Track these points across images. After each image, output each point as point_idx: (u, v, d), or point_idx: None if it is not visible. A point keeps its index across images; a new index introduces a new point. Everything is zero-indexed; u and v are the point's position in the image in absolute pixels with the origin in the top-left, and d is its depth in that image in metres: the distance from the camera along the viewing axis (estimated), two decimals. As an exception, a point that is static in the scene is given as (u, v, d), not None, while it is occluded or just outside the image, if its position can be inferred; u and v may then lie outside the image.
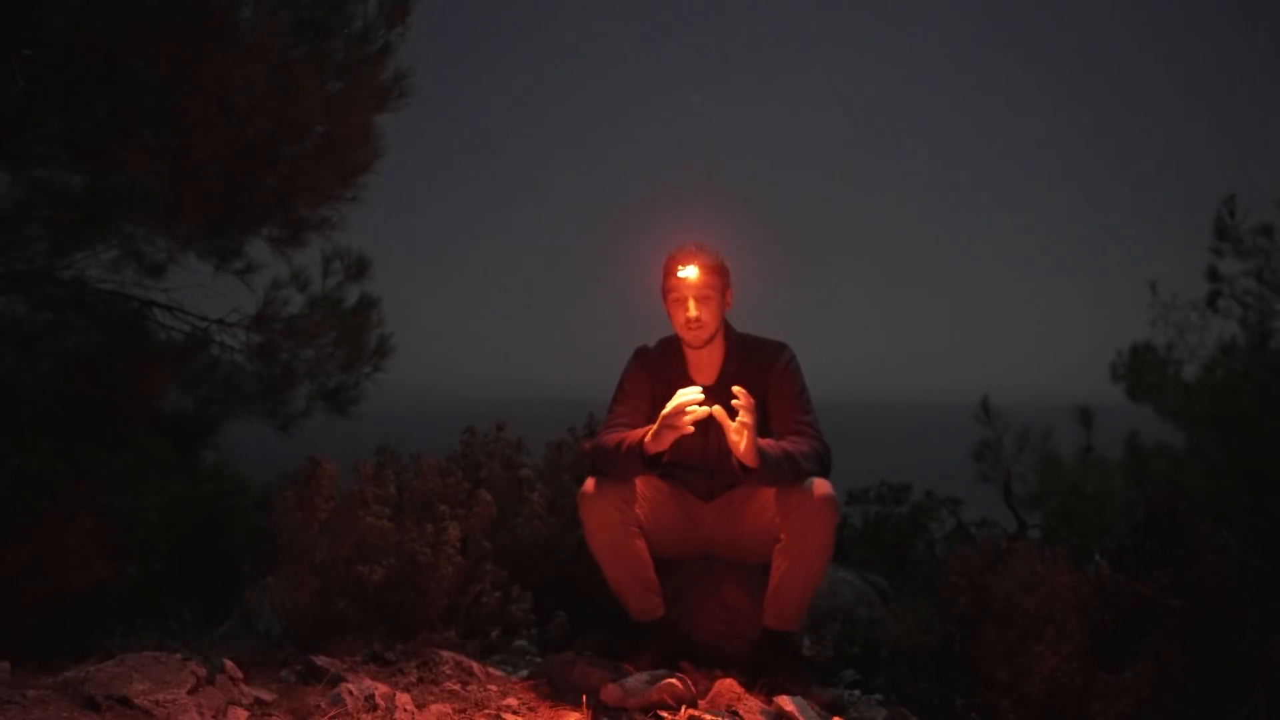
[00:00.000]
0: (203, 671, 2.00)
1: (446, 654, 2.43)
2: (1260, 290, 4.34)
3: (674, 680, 2.18)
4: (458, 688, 2.25)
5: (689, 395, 2.25)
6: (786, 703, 2.17)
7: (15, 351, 3.58)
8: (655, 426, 2.29)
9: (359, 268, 4.20)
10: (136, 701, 1.78)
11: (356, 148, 3.73)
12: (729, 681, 2.24)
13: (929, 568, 3.63)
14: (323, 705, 2.00)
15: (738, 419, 2.22)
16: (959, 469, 5.30)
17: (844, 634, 3.21)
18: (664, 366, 2.63)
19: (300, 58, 3.33)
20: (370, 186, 3.87)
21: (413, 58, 3.72)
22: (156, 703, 1.80)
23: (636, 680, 2.17)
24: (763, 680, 2.33)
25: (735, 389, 2.22)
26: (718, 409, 2.25)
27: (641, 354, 2.68)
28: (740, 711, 2.11)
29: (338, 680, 2.15)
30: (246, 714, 1.96)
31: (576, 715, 2.13)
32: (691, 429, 2.26)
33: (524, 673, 2.59)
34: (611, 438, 2.43)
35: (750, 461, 2.24)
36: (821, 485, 2.34)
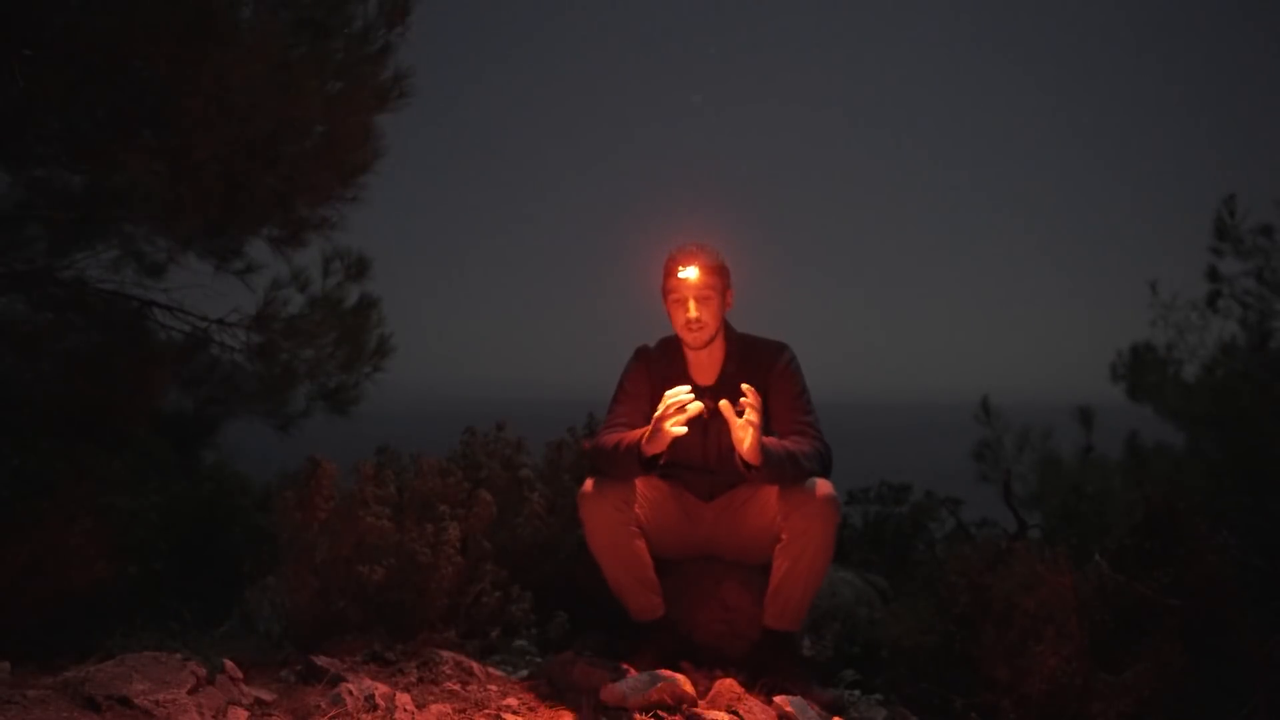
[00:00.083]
0: (203, 671, 2.00)
1: (446, 654, 2.43)
2: (1260, 290, 4.35)
3: (674, 680, 2.18)
4: (458, 688, 2.26)
5: (677, 396, 2.26)
6: (786, 703, 2.17)
7: (15, 351, 3.57)
8: (649, 429, 2.30)
9: (359, 268, 4.20)
10: (136, 701, 1.79)
11: (356, 148, 3.73)
12: (729, 681, 2.24)
13: (929, 568, 3.63)
14: (323, 705, 2.00)
15: (744, 416, 2.22)
16: (959, 469, 5.30)
17: (844, 634, 3.21)
18: (664, 366, 2.63)
19: (300, 58, 3.33)
20: (370, 186, 3.88)
21: (413, 58, 3.72)
22: (156, 703, 1.80)
23: (636, 680, 2.17)
24: (763, 680, 2.33)
25: (745, 387, 2.23)
26: (724, 404, 2.25)
27: (642, 354, 2.68)
28: (740, 711, 2.11)
29: (338, 680, 2.15)
30: (246, 714, 1.96)
31: (576, 715, 2.13)
32: (684, 430, 2.26)
33: (524, 673, 2.59)
34: (610, 438, 2.44)
35: (754, 459, 2.24)
36: (823, 485, 2.35)
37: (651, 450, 2.30)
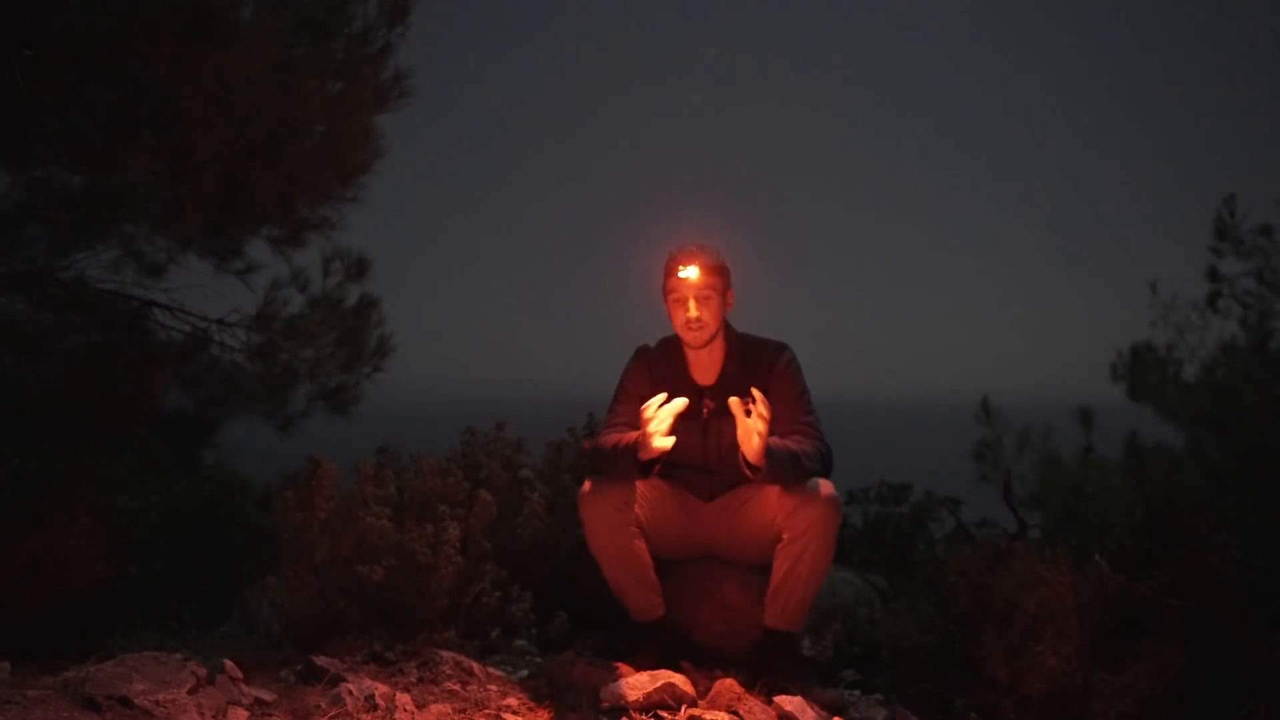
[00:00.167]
0: (203, 671, 2.00)
1: (446, 654, 2.43)
2: (1260, 290, 4.34)
3: (674, 680, 2.18)
4: (458, 688, 2.26)
5: (651, 411, 2.27)
6: (787, 703, 2.17)
7: (15, 351, 3.57)
8: (638, 434, 2.30)
9: (359, 268, 4.21)
10: (136, 701, 1.79)
11: (356, 148, 3.73)
12: (729, 681, 2.24)
13: (929, 568, 3.63)
14: (323, 705, 2.01)
15: (753, 417, 2.22)
16: (959, 469, 5.30)
17: (844, 634, 3.21)
18: (664, 366, 2.63)
19: (300, 58, 3.33)
20: (370, 186, 3.88)
21: (413, 58, 3.73)
22: (156, 703, 1.80)
23: (636, 680, 2.17)
24: (763, 680, 2.33)
25: (755, 394, 2.24)
26: (734, 401, 2.25)
27: (642, 353, 2.68)
28: (740, 711, 2.11)
29: (338, 680, 2.15)
30: (246, 714, 1.96)
31: (576, 715, 2.13)
32: (670, 443, 2.26)
33: (524, 673, 2.59)
34: (609, 439, 2.44)
35: (758, 461, 2.25)
36: (824, 486, 2.35)
37: (644, 458, 2.31)
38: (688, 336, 2.55)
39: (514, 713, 2.13)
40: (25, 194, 3.44)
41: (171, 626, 2.82)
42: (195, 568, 3.74)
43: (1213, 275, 4.53)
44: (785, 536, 2.38)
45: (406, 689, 2.19)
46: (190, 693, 1.89)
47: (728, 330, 2.62)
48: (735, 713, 2.11)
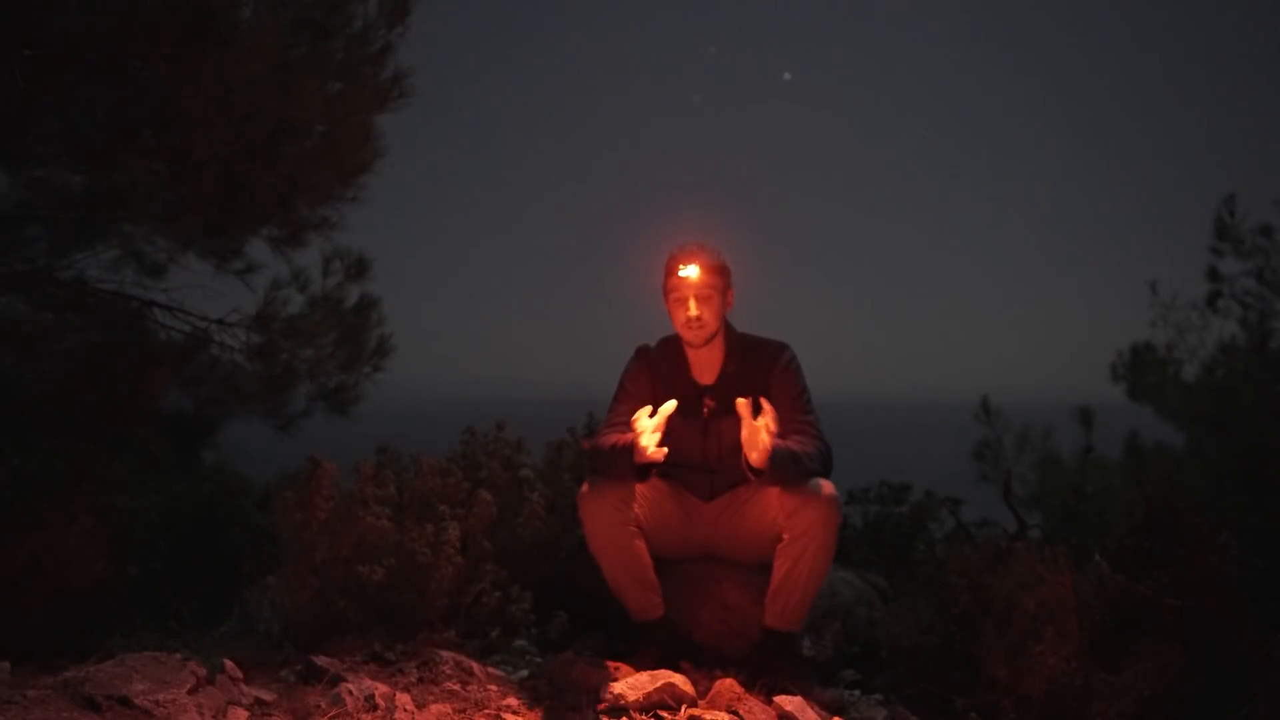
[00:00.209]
0: (203, 671, 2.00)
1: (446, 654, 2.43)
2: (1260, 290, 4.35)
3: (674, 680, 2.18)
4: (458, 688, 2.25)
5: (639, 421, 2.30)
6: (786, 703, 2.17)
7: (15, 351, 3.57)
8: (632, 437, 2.31)
9: (359, 268, 4.20)
10: (136, 701, 1.79)
11: (356, 148, 3.73)
12: (729, 681, 2.24)
13: (929, 568, 3.63)
14: (323, 705, 2.01)
15: (760, 420, 2.23)
16: (959, 469, 5.30)
17: (844, 634, 3.21)
18: (665, 366, 2.63)
19: (300, 58, 3.33)
20: (370, 186, 3.88)
21: (413, 58, 3.73)
22: (156, 703, 1.80)
23: (636, 680, 2.17)
24: (763, 680, 2.33)
25: (764, 404, 2.25)
26: (742, 402, 2.26)
27: (642, 353, 2.68)
28: (740, 711, 2.11)
29: (338, 680, 2.15)
30: (246, 714, 1.96)
31: (576, 715, 2.13)
32: (664, 454, 2.28)
33: (524, 673, 2.58)
34: (608, 439, 2.44)
35: (762, 464, 2.25)
36: (825, 486, 2.35)
37: (640, 462, 2.32)
38: (688, 336, 2.55)
39: (514, 713, 2.13)
40: (25, 194, 3.44)
41: (171, 626, 2.82)
42: (195, 568, 3.74)
43: (1213, 275, 4.53)
44: (785, 537, 2.38)
45: (406, 689, 2.19)
46: (190, 693, 1.89)
47: (728, 330, 2.62)
48: (735, 713, 2.11)
